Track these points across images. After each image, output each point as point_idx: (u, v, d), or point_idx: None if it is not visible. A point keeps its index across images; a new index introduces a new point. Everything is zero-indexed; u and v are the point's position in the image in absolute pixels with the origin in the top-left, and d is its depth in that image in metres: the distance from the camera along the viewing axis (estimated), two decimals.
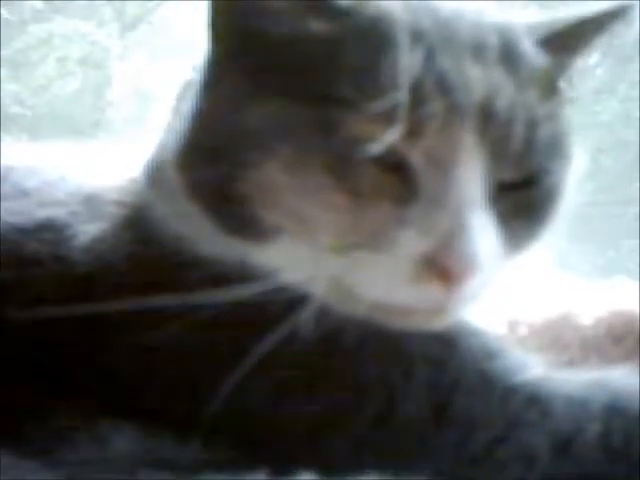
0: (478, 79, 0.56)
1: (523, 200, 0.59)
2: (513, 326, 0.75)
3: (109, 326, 0.57)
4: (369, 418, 0.57)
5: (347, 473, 0.55)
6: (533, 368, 0.61)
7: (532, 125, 0.57)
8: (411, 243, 0.55)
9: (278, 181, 0.56)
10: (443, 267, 0.54)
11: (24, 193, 0.64)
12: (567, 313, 0.77)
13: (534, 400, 0.59)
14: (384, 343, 0.58)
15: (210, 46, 0.61)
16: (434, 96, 0.55)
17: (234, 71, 0.59)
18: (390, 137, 0.54)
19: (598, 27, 0.64)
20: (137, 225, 0.61)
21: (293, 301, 0.55)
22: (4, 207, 0.62)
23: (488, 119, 0.56)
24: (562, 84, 0.63)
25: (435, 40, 0.56)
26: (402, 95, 0.54)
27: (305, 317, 0.55)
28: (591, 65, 0.66)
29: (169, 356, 0.57)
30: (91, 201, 0.63)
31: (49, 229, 0.61)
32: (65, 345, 0.58)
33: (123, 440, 0.57)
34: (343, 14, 0.57)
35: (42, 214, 0.62)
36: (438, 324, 0.58)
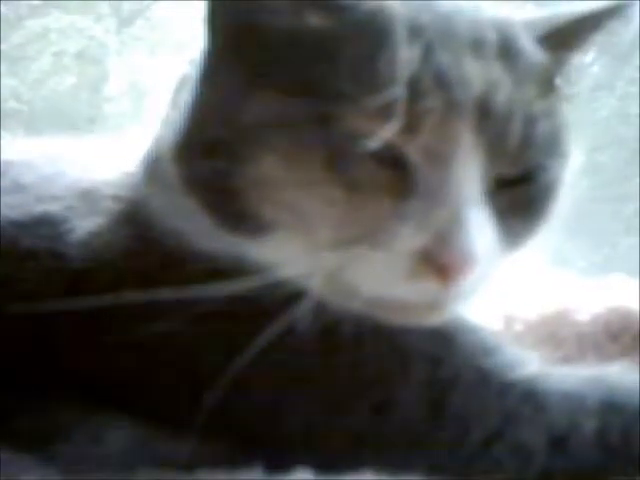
0: (476, 75, 0.56)
1: (520, 196, 0.59)
2: (509, 322, 0.76)
3: (105, 321, 0.57)
4: (366, 414, 0.58)
5: (344, 469, 0.55)
6: (529, 364, 0.62)
7: (530, 121, 0.57)
8: (408, 238, 0.55)
9: (275, 175, 0.56)
10: (440, 262, 0.54)
11: (21, 188, 0.64)
12: (563, 309, 0.77)
13: (530, 396, 0.59)
14: (381, 339, 0.58)
15: (208, 40, 0.60)
16: (432, 91, 0.55)
17: (232, 65, 0.59)
18: (388, 132, 0.54)
19: (596, 24, 0.64)
20: (134, 220, 0.61)
21: (290, 296, 0.55)
22: (2, 202, 0.62)
23: (486, 115, 0.56)
24: (560, 81, 0.63)
25: (433, 35, 0.56)
26: (400, 90, 0.54)
27: (302, 312, 0.55)
28: (588, 62, 0.66)
29: (165, 351, 0.57)
30: (88, 196, 0.63)
31: (46, 224, 0.61)
32: (62, 340, 0.58)
33: (119, 436, 0.57)
34: (341, 8, 0.57)
35: (39, 209, 0.62)
36: (435, 319, 0.58)
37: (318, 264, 0.56)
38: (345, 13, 0.57)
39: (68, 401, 0.57)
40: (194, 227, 0.59)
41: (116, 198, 0.62)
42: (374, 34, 0.56)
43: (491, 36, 0.59)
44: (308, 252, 0.56)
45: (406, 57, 0.55)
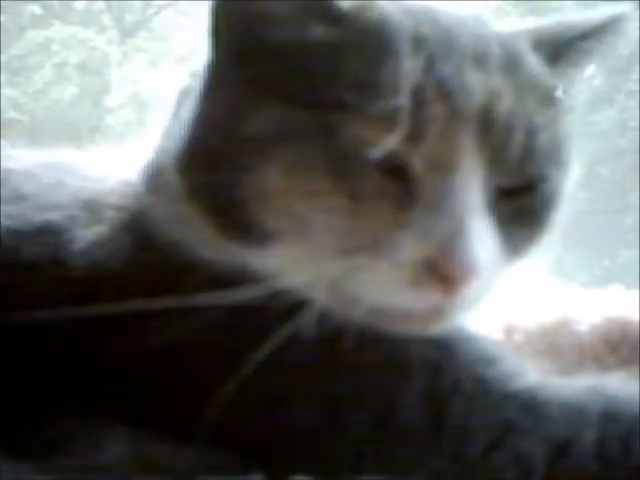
0: (478, 85, 0.56)
1: (522, 206, 0.59)
2: (509, 332, 0.76)
3: (107, 330, 0.57)
4: (367, 423, 0.57)
5: (344, 478, 0.55)
6: (529, 375, 0.62)
7: (531, 132, 0.57)
8: (411, 247, 0.55)
9: (279, 185, 0.56)
10: (443, 272, 0.54)
11: (23, 197, 0.64)
12: (563, 320, 0.77)
13: (530, 406, 0.59)
14: (383, 348, 0.58)
15: (211, 52, 0.61)
16: (434, 101, 0.55)
17: (235, 76, 0.59)
18: (391, 141, 0.54)
19: (597, 37, 0.64)
20: (136, 229, 0.61)
21: (293, 305, 0.55)
22: (3, 211, 0.62)
23: (488, 125, 0.56)
24: (561, 92, 0.63)
25: (436, 46, 0.57)
26: (403, 100, 0.54)
27: (305, 321, 0.55)
28: (589, 76, 0.67)
29: (168, 360, 0.57)
30: (90, 205, 0.63)
31: (48, 233, 0.61)
32: (64, 349, 0.58)
33: (120, 445, 0.57)
34: (344, 19, 0.57)
35: (41, 218, 0.62)
36: (437, 329, 0.58)
37: (321, 273, 0.56)
38: (348, 24, 0.57)
39: (68, 411, 0.57)
40: (197, 236, 0.59)
41: (118, 208, 0.62)
42: (377, 45, 0.56)
43: (493, 48, 0.59)
44: (311, 261, 0.57)
45: (409, 67, 0.55)
